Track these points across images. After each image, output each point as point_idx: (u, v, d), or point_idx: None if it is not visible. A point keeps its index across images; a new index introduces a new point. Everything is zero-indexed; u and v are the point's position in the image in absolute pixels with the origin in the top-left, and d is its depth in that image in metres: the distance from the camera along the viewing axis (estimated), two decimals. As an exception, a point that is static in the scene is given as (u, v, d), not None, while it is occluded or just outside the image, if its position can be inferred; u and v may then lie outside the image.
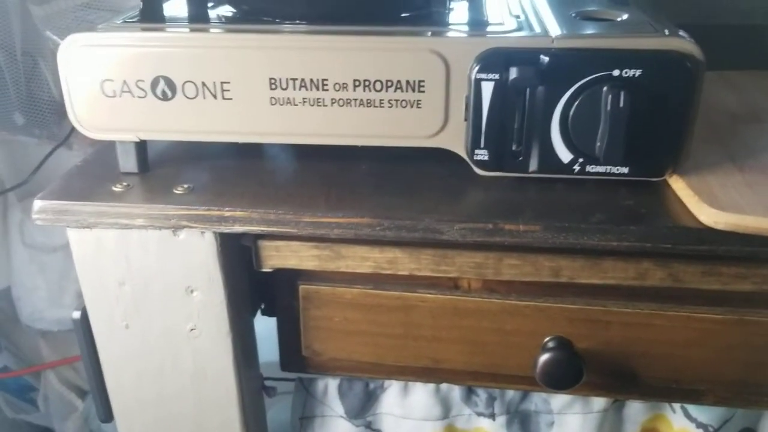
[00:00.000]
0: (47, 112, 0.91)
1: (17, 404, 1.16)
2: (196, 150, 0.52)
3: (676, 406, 0.57)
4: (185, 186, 0.46)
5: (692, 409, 0.56)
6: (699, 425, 0.56)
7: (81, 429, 1.13)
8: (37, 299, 1.00)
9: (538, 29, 0.44)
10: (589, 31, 0.43)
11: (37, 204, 0.45)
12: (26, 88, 0.89)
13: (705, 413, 0.56)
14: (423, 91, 0.44)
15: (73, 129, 0.85)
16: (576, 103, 0.42)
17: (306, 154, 0.52)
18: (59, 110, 0.92)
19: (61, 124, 0.92)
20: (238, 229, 0.44)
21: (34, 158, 0.89)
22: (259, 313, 0.55)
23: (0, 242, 1.00)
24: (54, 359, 1.09)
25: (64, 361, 1.08)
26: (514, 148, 0.45)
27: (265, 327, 0.55)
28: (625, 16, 0.47)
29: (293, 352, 0.53)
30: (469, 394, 0.56)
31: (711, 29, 0.49)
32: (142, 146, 0.48)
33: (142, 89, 0.46)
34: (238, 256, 0.48)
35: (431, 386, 0.56)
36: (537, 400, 0.56)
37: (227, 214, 0.44)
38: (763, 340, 0.48)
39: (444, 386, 0.56)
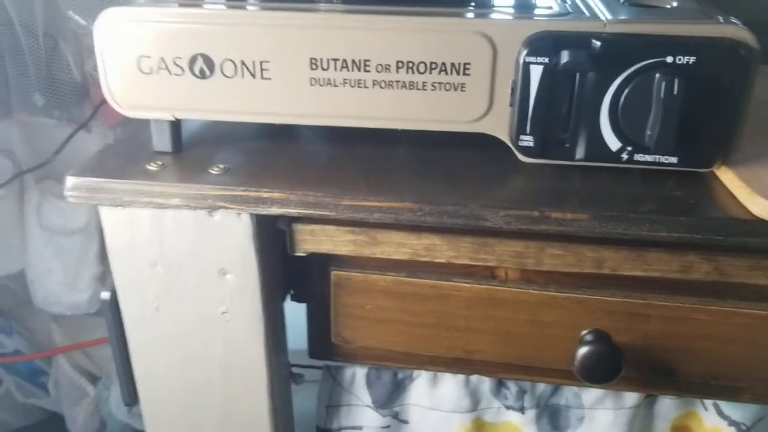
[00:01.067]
0: (67, 94, 0.90)
1: (28, 388, 1.16)
2: (229, 131, 0.51)
3: (708, 403, 0.56)
4: (221, 166, 0.45)
5: (725, 406, 0.55)
6: (731, 423, 0.55)
7: (91, 415, 1.13)
8: (52, 283, 0.99)
9: (587, 14, 0.43)
10: (642, 17, 0.42)
11: (70, 181, 0.44)
12: (47, 70, 0.88)
13: (738, 411, 0.55)
14: (468, 75, 0.43)
15: (95, 111, 0.84)
16: (627, 89, 0.41)
17: (343, 137, 0.51)
18: (79, 92, 0.91)
19: (81, 105, 0.91)
20: (275, 210, 0.43)
21: (52, 140, 0.88)
22: (288, 299, 0.54)
23: (15, 224, 0.99)
24: (66, 344, 1.08)
25: (76, 345, 1.08)
26: (560, 135, 0.44)
27: (291, 314, 0.54)
28: (675, 3, 0.46)
29: (323, 340, 0.53)
30: (498, 386, 0.55)
31: (757, 25, 0.48)
32: (177, 125, 0.47)
33: (180, 66, 0.45)
34: (273, 240, 0.47)
35: (461, 378, 0.55)
36: (568, 394, 0.55)
37: (265, 195, 0.43)
38: (805, 338, 0.47)
39: (474, 378, 0.55)
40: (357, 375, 0.56)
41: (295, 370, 0.56)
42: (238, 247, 0.45)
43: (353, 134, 0.50)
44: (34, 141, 0.93)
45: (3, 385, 1.13)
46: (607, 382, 0.47)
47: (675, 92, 0.40)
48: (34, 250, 0.99)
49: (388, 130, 0.46)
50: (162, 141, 0.47)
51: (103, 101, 0.47)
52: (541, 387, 0.55)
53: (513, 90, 0.43)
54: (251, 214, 0.44)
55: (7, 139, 0.94)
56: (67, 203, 0.95)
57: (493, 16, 0.44)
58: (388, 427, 0.57)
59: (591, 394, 0.55)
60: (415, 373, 0.55)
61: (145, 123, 0.48)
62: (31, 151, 0.92)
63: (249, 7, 0.46)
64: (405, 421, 0.57)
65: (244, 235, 0.44)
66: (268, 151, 0.49)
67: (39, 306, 1.03)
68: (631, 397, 0.54)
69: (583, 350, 0.46)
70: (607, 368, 0.46)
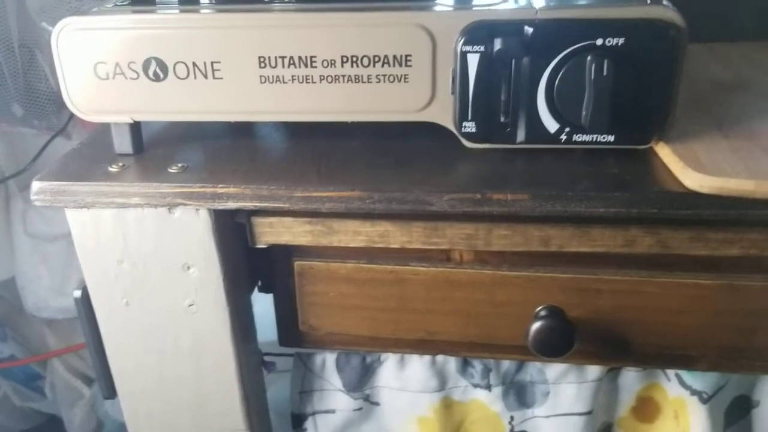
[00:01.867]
0: (45, 103, 0.92)
1: (24, 392, 1.18)
2: (190, 131, 0.53)
3: (671, 374, 0.58)
4: (180, 165, 0.47)
5: (686, 376, 0.57)
6: (693, 392, 0.57)
7: (88, 416, 1.15)
8: (41, 288, 1.01)
9: (523, 2, 0.45)
10: (572, 2, 0.44)
11: (36, 185, 0.46)
12: (24, 80, 0.90)
13: (699, 380, 0.56)
14: (410, 66, 0.45)
15: (71, 118, 0.86)
16: (561, 72, 0.43)
17: (298, 132, 0.53)
18: (57, 101, 0.93)
19: (59, 114, 0.93)
20: (231, 205, 0.45)
21: (33, 149, 0.90)
22: (256, 290, 0.56)
23: (3, 233, 1.01)
24: (60, 347, 1.10)
25: (69, 348, 1.10)
26: (501, 119, 0.45)
27: (265, 307, 0.56)
28: (608, -13, 0.47)
29: (291, 328, 0.54)
30: (464, 365, 0.57)
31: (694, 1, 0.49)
32: (136, 127, 0.49)
33: (135, 71, 0.46)
34: (233, 233, 0.49)
35: (427, 359, 0.56)
36: (532, 370, 0.57)
37: (221, 190, 0.45)
38: (753, 305, 0.48)
39: (440, 359, 0.57)
40: (327, 360, 0.58)
41: (267, 358, 0.58)
42: (199, 242, 0.47)
43: (308, 129, 0.52)
44: (15, 150, 0.95)
45: (0, 390, 1.16)
46: (561, 356, 0.48)
47: (605, 73, 0.42)
48: (22, 257, 1.01)
49: (341, 123, 0.48)
50: (123, 143, 0.49)
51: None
52: (506, 364, 0.57)
53: (453, 78, 0.45)
54: (209, 210, 0.46)
55: (-12, 150, 0.96)
56: (50, 210, 0.97)
57: (433, 8, 0.45)
58: (360, 409, 0.59)
59: (554, 370, 0.57)
60: (383, 356, 0.57)
61: (108, 127, 0.50)
62: (14, 159, 0.94)
63: (198, 11, 0.47)
64: (376, 403, 0.59)
65: (204, 230, 0.46)
66: (227, 149, 0.50)
67: (30, 311, 1.05)
68: (593, 371, 0.56)
69: (535, 325, 0.48)
70: (559, 342, 0.48)
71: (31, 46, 0.88)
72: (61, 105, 0.93)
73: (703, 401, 0.57)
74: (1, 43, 0.87)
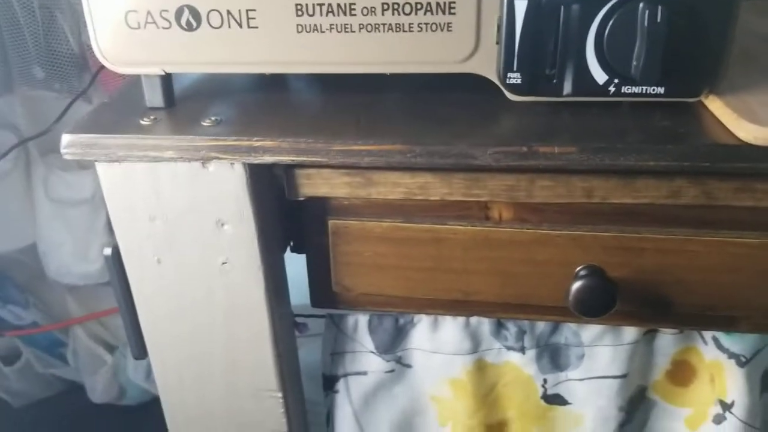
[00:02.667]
0: (67, 66, 0.91)
1: (47, 359, 1.19)
2: (223, 84, 0.52)
3: (708, 337, 0.57)
4: (213, 118, 0.46)
5: (724, 339, 0.56)
6: (731, 356, 0.56)
7: (110, 382, 1.16)
8: (63, 254, 1.01)
9: (571, -53, 0.43)
10: (625, -54, 0.42)
11: (66, 138, 0.45)
12: (45, 42, 0.89)
13: (737, 343, 0.55)
14: (453, 13, 0.43)
15: (92, 80, 0.85)
16: (612, 21, 0.41)
17: (335, 86, 0.51)
18: (78, 63, 0.92)
19: (80, 77, 0.92)
20: (267, 159, 0.44)
21: (54, 112, 0.89)
22: (288, 250, 0.55)
23: (24, 198, 1.00)
24: (82, 314, 1.11)
25: (91, 315, 1.10)
26: (547, 71, 0.44)
27: (296, 270, 0.55)
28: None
29: (323, 288, 0.54)
30: (498, 328, 0.56)
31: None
32: (168, 80, 0.48)
33: (167, 19, 0.45)
34: (268, 189, 0.47)
35: (461, 321, 0.56)
36: (567, 332, 0.56)
37: (257, 144, 0.44)
38: (800, 265, 0.47)
39: (474, 321, 0.56)
40: (359, 322, 0.57)
41: (299, 320, 0.57)
42: (234, 198, 0.46)
43: (346, 83, 0.50)
44: (36, 114, 0.94)
45: (23, 357, 1.16)
46: (602, 316, 0.47)
47: (659, 21, 0.40)
48: (43, 222, 1.00)
49: (379, 76, 0.46)
50: (154, 96, 0.48)
51: (100, 69, 0.48)
52: (541, 327, 0.56)
53: (499, 27, 0.43)
54: (244, 164, 0.45)
55: (10, 114, 0.95)
56: (73, 175, 0.96)
57: (477, -47, 0.44)
58: (392, 371, 0.58)
59: (590, 332, 0.56)
60: (416, 318, 0.56)
61: (138, 81, 0.48)
62: (35, 123, 0.94)
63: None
64: (408, 365, 0.58)
65: (239, 186, 0.45)
66: (261, 103, 0.49)
67: (52, 278, 1.05)
68: (629, 333, 0.55)
69: (576, 285, 0.47)
70: (601, 302, 0.47)
71: (51, 7, 0.87)
72: (82, 67, 0.92)
73: (741, 364, 0.56)
74: (22, 4, 0.85)
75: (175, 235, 0.48)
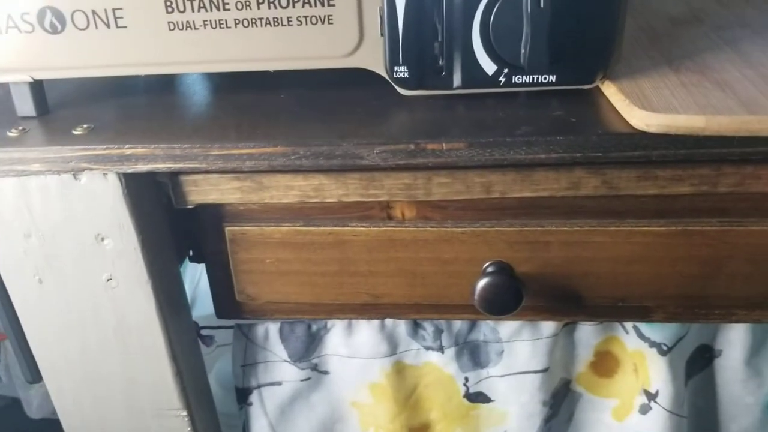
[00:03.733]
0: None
1: (-22, 377, 1.14)
2: (101, 89, 0.48)
3: (629, 326, 0.55)
4: (85, 126, 0.43)
5: (645, 328, 0.55)
6: (652, 344, 0.55)
7: (46, 397, 1.11)
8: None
9: (453, -69, 0.41)
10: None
11: (-76, 155, 0.42)
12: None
13: (658, 332, 0.54)
14: (333, 5, 0.41)
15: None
16: (496, 7, 0.39)
17: (220, 86, 0.49)
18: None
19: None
20: (141, 168, 0.41)
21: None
22: (187, 261, 0.52)
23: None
24: (9, 329, 1.06)
25: (19, 329, 1.06)
26: (436, 63, 0.42)
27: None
28: None
29: (227, 298, 0.51)
30: (415, 328, 0.54)
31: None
32: (37, 86, 0.45)
33: (29, 23, 0.42)
34: (151, 198, 0.45)
35: (376, 323, 0.54)
36: (485, 329, 0.55)
37: (128, 151, 0.41)
38: (708, 251, 0.46)
39: (389, 322, 0.54)
40: (270, 331, 0.55)
41: (206, 332, 0.54)
42: (111, 211, 0.43)
43: (231, 82, 0.48)
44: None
45: (-47, 376, 1.11)
46: (510, 313, 0.46)
47: (542, 5, 0.38)
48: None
49: (265, 75, 0.44)
50: (24, 105, 0.45)
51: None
52: (458, 325, 0.54)
53: (381, 18, 0.41)
54: (118, 174, 0.42)
55: None
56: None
57: (355, -60, 0.41)
58: (308, 379, 0.56)
59: (507, 327, 0.54)
60: (330, 323, 0.54)
61: (9, 88, 0.45)
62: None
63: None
64: (325, 372, 0.56)
65: (115, 197, 0.42)
66: (141, 107, 0.46)
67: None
68: (548, 327, 0.54)
69: (480, 283, 0.45)
70: (507, 299, 0.45)
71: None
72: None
73: (663, 353, 0.55)
74: None
75: (53, 253, 0.44)
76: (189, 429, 0.51)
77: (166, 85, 0.49)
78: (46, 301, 0.46)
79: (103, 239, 0.44)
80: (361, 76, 0.43)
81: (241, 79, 0.45)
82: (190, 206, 0.45)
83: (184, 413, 0.50)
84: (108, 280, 0.45)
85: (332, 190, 0.44)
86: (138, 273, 0.45)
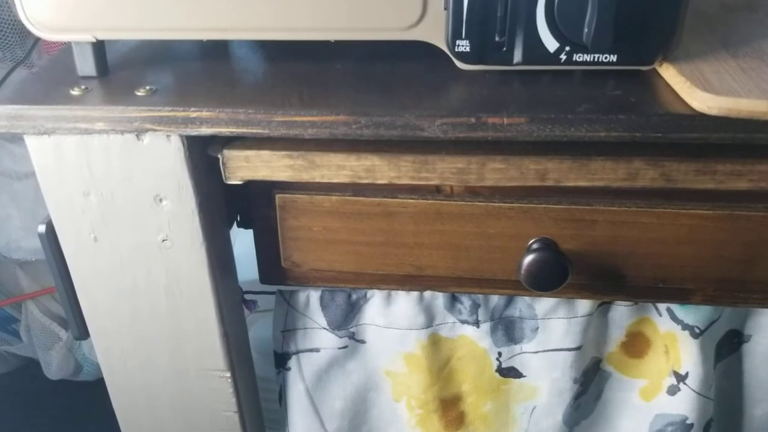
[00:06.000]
0: (9, 33, 0.87)
1: (0, 336, 1.15)
2: (160, 52, 0.49)
3: (662, 308, 0.56)
4: (148, 88, 0.43)
5: (678, 311, 0.55)
6: (685, 327, 0.56)
7: (65, 358, 1.13)
8: (12, 229, 0.98)
9: None
10: None
11: (-10, 110, 0.42)
12: (-16, 9, 0.84)
13: (691, 315, 0.55)
14: (399, -23, 0.41)
15: (33, 46, 0.81)
16: (563, -15, 0.40)
17: (277, 54, 0.49)
18: (21, 30, 0.87)
19: (23, 44, 0.88)
20: (205, 131, 0.42)
21: (-4, 81, 0.84)
22: (235, 225, 0.53)
23: (-32, 171, 0.96)
24: (34, 289, 1.07)
25: (43, 291, 1.07)
26: (497, 38, 0.42)
27: (245, 245, 0.53)
28: None
29: (272, 264, 0.52)
30: (452, 302, 0.55)
31: None
32: (99, 47, 0.45)
33: (96, -18, 0.42)
34: (210, 163, 0.45)
35: (414, 295, 0.54)
36: (521, 305, 0.55)
37: (193, 114, 0.41)
38: (753, 236, 0.47)
39: (427, 295, 0.55)
40: (311, 298, 0.55)
41: (248, 297, 0.55)
42: (171, 172, 0.43)
43: (288, 51, 0.48)
44: (-24, 83, 0.89)
45: (-26, 335, 1.13)
46: (555, 289, 0.47)
47: (610, -15, 0.38)
48: (-11, 196, 0.97)
49: (324, 45, 0.44)
50: (86, 65, 0.45)
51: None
52: (495, 300, 0.55)
53: (446, -9, 0.41)
54: (181, 136, 0.42)
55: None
56: (18, 147, 0.92)
57: None
58: (345, 347, 0.57)
59: (544, 305, 0.55)
60: (369, 293, 0.55)
61: (71, 49, 0.45)
62: (-25, 93, 0.89)
63: None
64: (362, 341, 0.57)
65: (176, 159, 0.43)
66: (200, 71, 0.47)
67: (2, 253, 1.01)
68: (583, 306, 0.55)
69: (528, 258, 0.46)
70: (553, 274, 0.46)
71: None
72: (25, 35, 0.88)
73: (695, 336, 0.56)
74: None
75: (111, 212, 0.45)
76: (231, 390, 0.52)
77: (222, 50, 0.50)
78: (99, 258, 0.47)
79: (161, 200, 0.44)
80: (414, 49, 0.44)
81: (297, 46, 0.45)
82: (239, 182, 0.46)
83: (228, 374, 0.51)
84: (163, 240, 0.46)
85: (384, 171, 0.45)
86: (193, 235, 0.46)
